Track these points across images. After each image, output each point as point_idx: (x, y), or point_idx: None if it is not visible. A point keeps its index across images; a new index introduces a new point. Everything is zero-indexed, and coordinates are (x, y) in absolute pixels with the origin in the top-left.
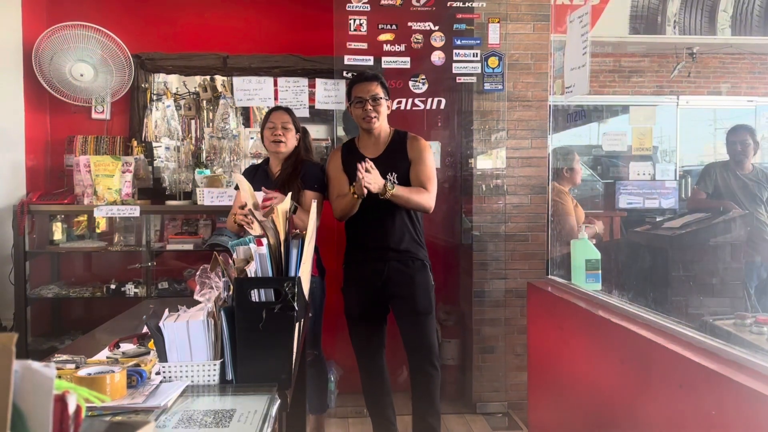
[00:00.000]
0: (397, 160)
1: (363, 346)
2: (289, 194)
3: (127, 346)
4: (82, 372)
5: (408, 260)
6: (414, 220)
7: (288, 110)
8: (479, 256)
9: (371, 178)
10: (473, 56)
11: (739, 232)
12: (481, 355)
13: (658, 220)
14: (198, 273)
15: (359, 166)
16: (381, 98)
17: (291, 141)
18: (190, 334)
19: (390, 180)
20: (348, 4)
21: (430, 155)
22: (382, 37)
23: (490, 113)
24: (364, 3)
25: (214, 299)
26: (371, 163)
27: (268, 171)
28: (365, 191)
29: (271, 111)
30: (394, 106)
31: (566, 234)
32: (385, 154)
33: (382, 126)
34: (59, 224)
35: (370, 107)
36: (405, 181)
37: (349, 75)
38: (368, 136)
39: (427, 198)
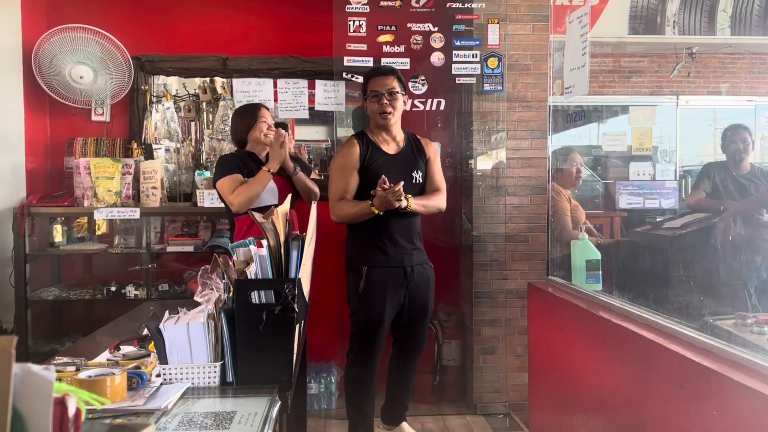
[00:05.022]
0: (419, 159)
1: (372, 349)
2: (289, 196)
3: (127, 349)
4: (83, 374)
5: (425, 262)
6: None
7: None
8: (479, 257)
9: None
10: (473, 57)
11: (738, 231)
12: (481, 356)
13: (658, 220)
14: (199, 274)
15: (384, 183)
16: (397, 93)
17: None
18: (190, 336)
19: (410, 198)
20: (347, 6)
21: (438, 155)
22: (382, 38)
23: (489, 114)
24: (363, 4)
25: (214, 301)
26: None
27: (258, 160)
28: (393, 206)
29: (258, 108)
30: None
31: (559, 233)
32: (406, 153)
33: (397, 123)
34: (59, 226)
35: (386, 101)
36: (425, 180)
37: (349, 76)
38: (384, 132)
39: (441, 199)
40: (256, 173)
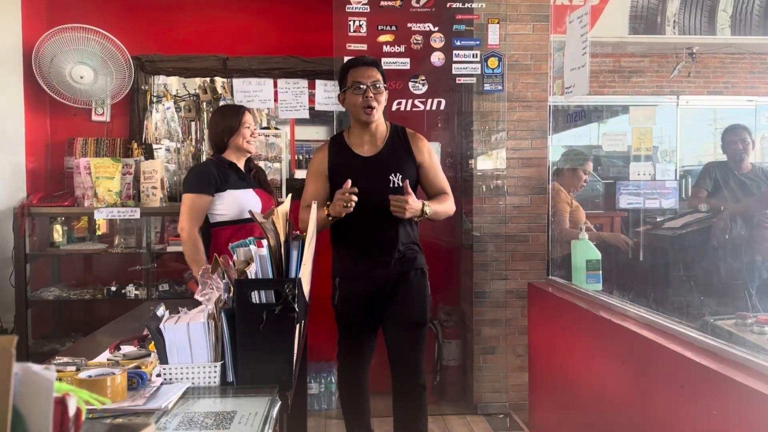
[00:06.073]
0: (400, 159)
1: (355, 356)
2: (289, 195)
3: (127, 348)
4: (83, 374)
5: (410, 270)
6: (414, 223)
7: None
8: (480, 257)
9: (410, 208)
10: (473, 57)
11: (738, 231)
12: (482, 356)
13: (658, 220)
14: (200, 273)
15: (392, 200)
16: (382, 86)
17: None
18: (190, 336)
19: (426, 205)
20: (347, 6)
21: (435, 154)
22: (382, 38)
23: (490, 114)
24: (363, 4)
25: (214, 301)
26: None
27: (239, 170)
28: (343, 214)
29: (243, 111)
30: (394, 107)
31: (558, 233)
32: (385, 152)
33: (380, 119)
34: (59, 226)
35: (371, 95)
36: (411, 182)
37: None
38: (363, 130)
39: (452, 204)
40: (236, 183)
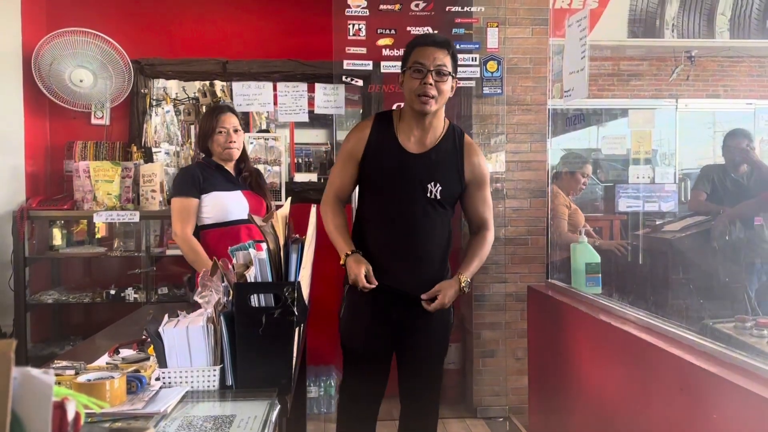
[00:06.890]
0: (445, 168)
1: (359, 396)
2: (289, 199)
3: (126, 352)
4: (82, 378)
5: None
6: (449, 243)
7: (234, 111)
8: None
9: (447, 301)
10: (472, 60)
11: (739, 235)
12: (481, 359)
13: (657, 223)
14: (200, 275)
15: (425, 305)
16: (448, 74)
17: (240, 143)
18: (189, 340)
19: (462, 278)
20: (347, 9)
21: (488, 172)
22: (381, 41)
23: (489, 117)
24: (363, 8)
25: (213, 304)
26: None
27: (226, 172)
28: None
29: (218, 113)
30: (394, 109)
31: (557, 237)
32: (431, 155)
33: (439, 112)
34: (59, 230)
35: (431, 82)
36: (448, 196)
37: (349, 79)
38: (415, 120)
39: (491, 240)
40: (221, 185)
